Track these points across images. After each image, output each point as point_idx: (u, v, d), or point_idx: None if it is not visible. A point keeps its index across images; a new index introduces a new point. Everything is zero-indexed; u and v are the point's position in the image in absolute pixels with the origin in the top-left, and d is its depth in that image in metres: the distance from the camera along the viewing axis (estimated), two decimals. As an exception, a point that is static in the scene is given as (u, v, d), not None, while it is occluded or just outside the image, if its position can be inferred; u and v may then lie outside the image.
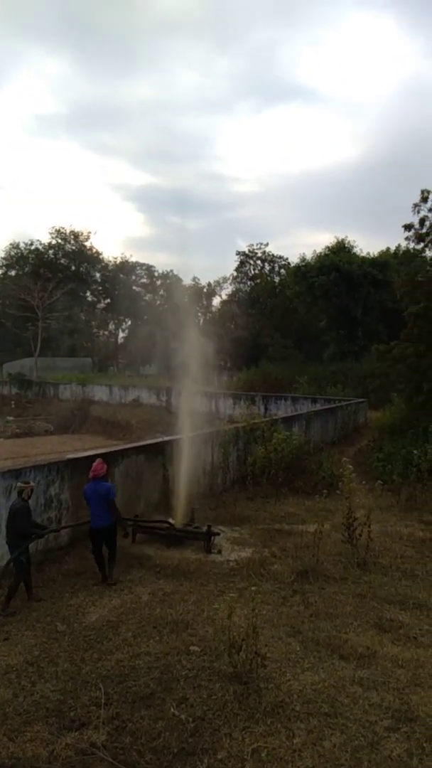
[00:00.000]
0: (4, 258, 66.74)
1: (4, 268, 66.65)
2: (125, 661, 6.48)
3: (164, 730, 5.25)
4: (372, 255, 42.33)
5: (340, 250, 41.68)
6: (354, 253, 41.97)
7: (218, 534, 10.78)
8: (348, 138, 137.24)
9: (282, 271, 57.82)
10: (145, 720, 5.41)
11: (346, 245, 42.49)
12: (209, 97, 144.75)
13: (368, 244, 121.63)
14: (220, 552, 10.36)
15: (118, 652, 6.70)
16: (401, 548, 10.73)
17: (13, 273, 64.73)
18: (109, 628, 7.31)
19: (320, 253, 42.43)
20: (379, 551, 10.33)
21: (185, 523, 11.26)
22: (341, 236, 43.30)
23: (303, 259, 43.92)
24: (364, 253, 42.44)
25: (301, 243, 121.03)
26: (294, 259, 48.09)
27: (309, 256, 43.50)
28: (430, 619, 7.79)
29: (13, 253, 66.67)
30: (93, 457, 11.24)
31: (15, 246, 66.82)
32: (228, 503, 13.44)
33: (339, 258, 39.79)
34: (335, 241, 42.70)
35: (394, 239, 67.28)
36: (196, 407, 29.86)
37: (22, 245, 66.88)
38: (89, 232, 68.63)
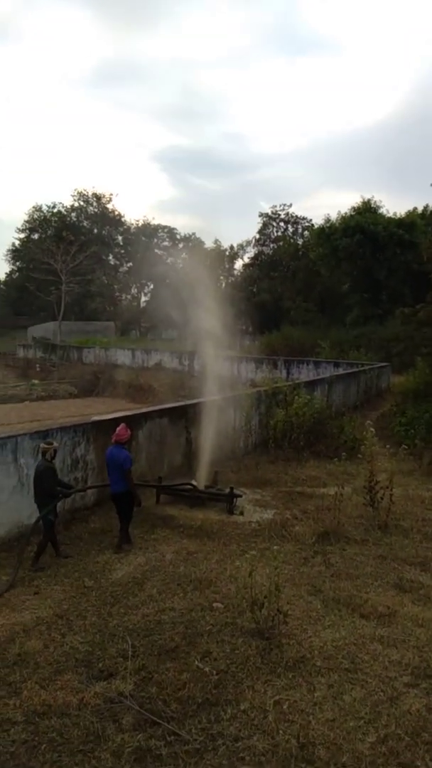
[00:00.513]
0: (27, 221, 66.63)
1: (27, 231, 66.58)
2: (151, 616, 6.69)
3: (189, 681, 5.44)
4: (398, 215, 41.15)
5: (366, 210, 40.56)
6: (380, 214, 40.81)
7: (240, 496, 10.92)
8: (375, 94, 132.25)
9: (305, 233, 56.65)
10: (171, 672, 5.60)
11: (372, 206, 41.34)
12: (232, 53, 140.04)
13: (395, 204, 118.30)
14: (242, 513, 10.51)
15: (143, 607, 6.91)
16: (422, 511, 10.77)
17: (36, 236, 64.67)
18: (135, 584, 7.52)
19: (345, 214, 41.41)
20: (401, 514, 10.39)
21: (208, 485, 11.42)
22: (367, 196, 42.10)
23: (327, 221, 42.87)
24: (390, 214, 41.29)
25: (325, 204, 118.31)
26: (318, 221, 46.98)
27: (333, 217, 42.50)
28: (450, 581, 7.85)
29: (35, 216, 66.51)
30: (117, 420, 11.39)
31: (38, 209, 66.62)
32: (250, 466, 13.56)
33: (364, 219, 38.75)
34: (361, 201, 41.58)
35: (422, 199, 65.10)
36: (218, 371, 29.95)
37: (44, 208, 66.65)
38: (111, 194, 67.98)
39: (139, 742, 4.66)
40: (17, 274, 66.71)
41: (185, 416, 13.09)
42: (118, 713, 5.04)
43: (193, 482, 11.24)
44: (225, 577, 7.73)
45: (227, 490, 10.76)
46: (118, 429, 9.10)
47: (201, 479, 11.57)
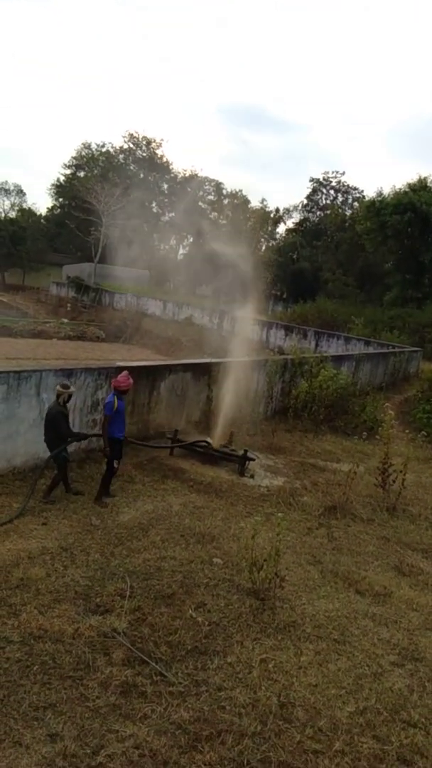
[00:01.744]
0: (74, 157, 65.87)
1: (73, 168, 65.88)
2: (151, 561, 6.85)
3: (181, 628, 5.60)
4: (455, 198, 39.72)
5: (421, 188, 39.19)
6: (435, 194, 39.44)
7: (253, 459, 10.99)
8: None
9: (355, 204, 55.16)
10: (164, 616, 5.76)
11: (428, 184, 39.92)
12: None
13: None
14: (252, 477, 10.60)
15: (145, 552, 7.07)
16: (433, 500, 10.73)
17: (81, 174, 64.00)
18: (140, 529, 7.69)
19: (399, 189, 40.10)
20: (410, 499, 10.37)
21: (222, 444, 11.50)
22: (425, 174, 40.63)
23: (379, 194, 41.63)
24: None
25: (379, 177, 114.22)
26: (370, 193, 45.63)
27: (386, 191, 41.20)
28: (450, 571, 7.87)
29: (83, 154, 65.66)
30: (142, 368, 11.47)
31: (86, 146, 65.71)
32: (267, 432, 13.59)
33: (418, 197, 37.48)
34: (417, 178, 40.14)
35: None
36: (247, 334, 29.77)
37: (93, 146, 65.70)
38: (162, 140, 66.69)
39: (126, 677, 4.84)
40: (59, 210, 66.38)
41: (209, 373, 13.09)
42: (110, 647, 5.22)
43: (208, 440, 11.32)
44: (228, 535, 7.85)
45: (241, 452, 10.83)
46: (118, 375, 8.68)
47: (216, 438, 11.64)
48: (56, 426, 8.31)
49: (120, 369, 10.89)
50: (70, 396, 8.62)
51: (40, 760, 3.94)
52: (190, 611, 5.90)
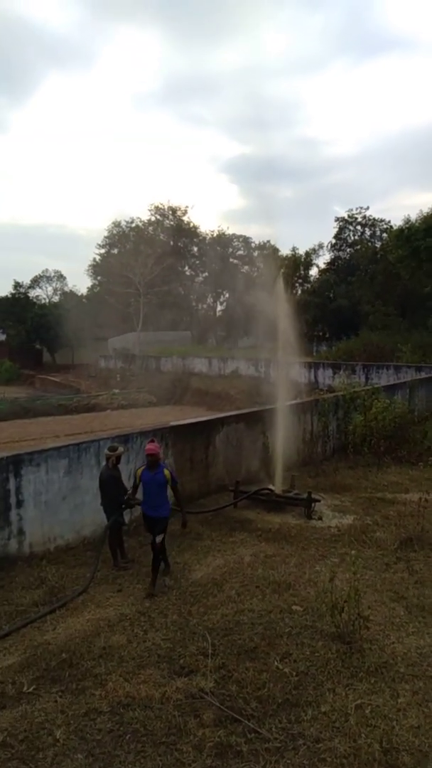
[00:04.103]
0: (106, 237, 69.14)
1: (107, 246, 69.08)
2: (230, 616, 6.75)
3: (268, 681, 5.44)
4: None
5: (448, 209, 39.11)
6: (464, 212, 39.19)
7: (319, 500, 10.79)
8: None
9: (384, 235, 55.26)
10: (250, 671, 5.62)
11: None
12: (301, 59, 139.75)
13: None
14: (320, 518, 10.38)
15: (222, 607, 6.98)
16: None
17: (115, 251, 66.97)
18: (214, 585, 7.61)
19: (427, 213, 40.06)
20: None
21: (285, 489, 11.37)
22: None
23: (407, 221, 41.62)
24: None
25: (402, 205, 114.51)
26: (397, 223, 45.74)
27: (413, 217, 41.21)
28: None
29: (115, 232, 68.88)
30: (195, 425, 11.61)
31: (117, 224, 68.96)
32: (328, 471, 13.37)
33: (447, 217, 37.37)
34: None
35: None
36: (295, 377, 29.71)
37: (123, 224, 68.92)
38: (186, 207, 69.34)
39: (220, 738, 4.71)
40: (98, 288, 69.33)
41: (261, 421, 13.11)
42: (199, 709, 5.12)
43: (271, 486, 11.23)
44: (304, 581, 7.66)
45: (305, 495, 10.67)
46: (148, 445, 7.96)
47: (278, 483, 11.54)
48: (106, 490, 8.35)
49: (175, 428, 11.06)
50: (119, 458, 8.52)
51: None
52: (276, 663, 5.74)
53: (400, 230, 41.43)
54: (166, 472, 7.71)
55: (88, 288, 73.13)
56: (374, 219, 57.74)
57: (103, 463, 9.14)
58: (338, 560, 8.34)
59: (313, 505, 10.53)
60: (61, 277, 71.40)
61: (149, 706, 5.18)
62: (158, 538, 7.69)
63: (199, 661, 5.85)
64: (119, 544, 8.57)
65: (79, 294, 71.98)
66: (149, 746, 4.68)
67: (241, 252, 72.29)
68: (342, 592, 6.37)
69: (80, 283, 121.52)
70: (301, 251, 58.13)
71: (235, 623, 6.58)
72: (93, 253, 72.22)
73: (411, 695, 5.20)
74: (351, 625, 6.14)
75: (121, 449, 8.67)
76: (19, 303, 60.70)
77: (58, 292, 70.71)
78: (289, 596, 7.24)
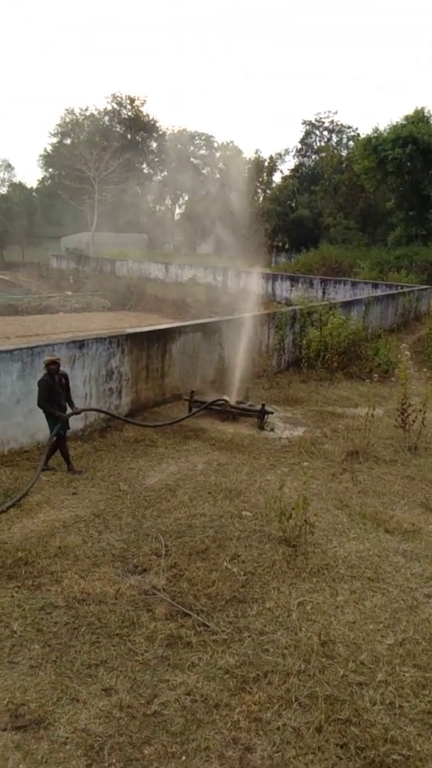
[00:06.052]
0: (59, 125, 64.38)
1: (59, 135, 64.47)
2: (182, 519, 7.01)
3: (217, 580, 5.76)
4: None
5: (419, 120, 37.87)
6: (433, 125, 38.08)
7: (272, 412, 11.05)
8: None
9: (351, 143, 53.54)
10: (201, 570, 5.93)
11: (425, 114, 38.52)
12: None
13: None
14: (272, 430, 10.68)
15: (175, 511, 7.23)
16: (454, 436, 10.77)
17: (68, 141, 62.64)
18: (168, 490, 7.84)
19: (396, 123, 38.76)
20: None
21: (239, 400, 11.56)
22: (421, 105, 39.18)
23: (375, 130, 40.26)
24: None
25: (372, 114, 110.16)
26: (365, 131, 44.21)
27: (382, 127, 39.85)
28: None
29: (68, 120, 64.13)
30: (152, 333, 11.46)
31: (70, 112, 64.13)
32: (282, 384, 13.62)
33: (417, 129, 36.25)
34: (414, 110, 38.70)
35: None
36: (253, 288, 29.48)
37: (77, 111, 64.09)
38: (145, 97, 64.82)
39: (171, 630, 5.01)
40: (49, 181, 65.35)
41: (219, 332, 13.06)
42: (152, 604, 5.40)
43: (225, 397, 11.38)
44: (254, 489, 7.98)
45: (259, 407, 10.90)
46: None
47: (233, 395, 11.70)
48: (37, 394, 8.09)
49: (132, 335, 10.90)
50: (57, 365, 8.15)
51: (98, 713, 4.14)
52: (225, 563, 6.06)
53: (368, 139, 40.12)
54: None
55: (38, 180, 68.86)
56: (342, 125, 55.72)
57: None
58: (288, 470, 8.69)
59: (266, 416, 10.78)
60: (9, 166, 66.74)
61: (104, 601, 5.42)
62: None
63: (152, 560, 6.11)
64: (64, 454, 8.47)
65: (29, 187, 67.76)
66: (103, 637, 4.94)
67: (203, 151, 68.91)
68: (290, 500, 6.68)
69: (29, 175, 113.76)
70: (266, 155, 55.96)
71: (187, 526, 6.85)
72: (44, 142, 67.33)
73: (349, 594, 5.62)
74: (297, 530, 6.50)
75: (57, 357, 8.36)
76: (-37, 193, 56.79)
77: (6, 183, 66.27)
78: (240, 502, 7.55)
